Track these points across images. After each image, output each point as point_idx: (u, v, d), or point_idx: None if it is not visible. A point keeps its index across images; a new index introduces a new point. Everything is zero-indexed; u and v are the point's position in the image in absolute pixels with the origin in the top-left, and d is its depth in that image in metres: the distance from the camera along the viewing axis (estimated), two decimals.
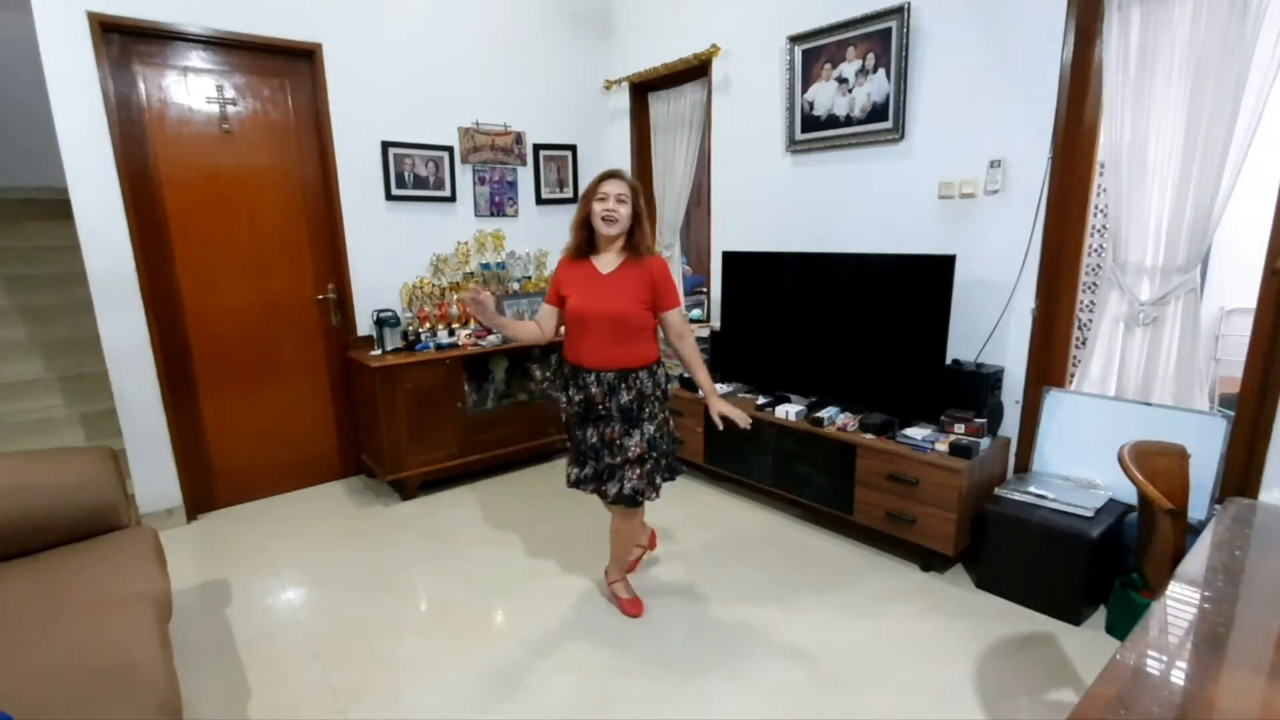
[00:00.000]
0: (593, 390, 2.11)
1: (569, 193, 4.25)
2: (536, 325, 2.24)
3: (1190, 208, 2.14)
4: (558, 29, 4.03)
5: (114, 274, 2.82)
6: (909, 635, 2.18)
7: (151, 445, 3.00)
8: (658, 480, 2.19)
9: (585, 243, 2.17)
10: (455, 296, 3.48)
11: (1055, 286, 2.51)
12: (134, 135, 2.85)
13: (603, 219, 2.09)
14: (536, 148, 4.06)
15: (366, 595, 2.49)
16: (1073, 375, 2.62)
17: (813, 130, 3.15)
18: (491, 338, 3.57)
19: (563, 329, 2.23)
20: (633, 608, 2.35)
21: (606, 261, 2.16)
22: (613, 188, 2.09)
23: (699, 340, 3.66)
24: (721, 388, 3.38)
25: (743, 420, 2.12)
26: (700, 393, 2.28)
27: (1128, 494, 2.10)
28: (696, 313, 3.98)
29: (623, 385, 2.11)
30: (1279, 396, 2.07)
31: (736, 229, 3.65)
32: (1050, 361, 2.58)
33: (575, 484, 2.25)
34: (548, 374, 2.33)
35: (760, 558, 2.71)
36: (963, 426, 2.53)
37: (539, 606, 2.39)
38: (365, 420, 3.44)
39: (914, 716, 1.83)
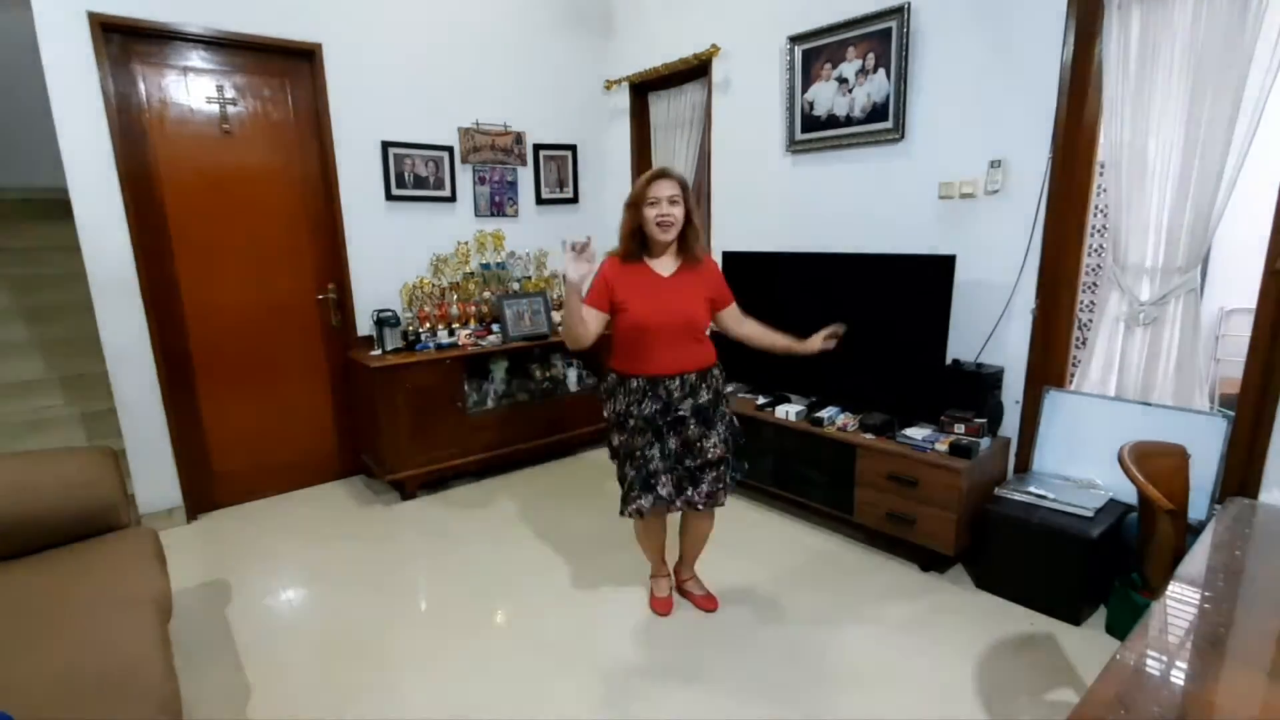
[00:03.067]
0: (675, 394, 2.04)
1: (569, 193, 4.25)
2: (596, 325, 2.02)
3: (1190, 208, 2.14)
4: (558, 29, 4.03)
5: (114, 274, 2.81)
6: (909, 635, 2.18)
7: (151, 445, 2.99)
8: (729, 478, 2.18)
9: (640, 247, 2.05)
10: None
11: (1055, 286, 2.51)
12: (134, 135, 2.85)
13: (658, 224, 1.97)
14: (536, 148, 4.06)
15: (366, 595, 2.49)
16: (1073, 375, 2.62)
17: (813, 130, 3.15)
18: (491, 338, 3.57)
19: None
20: (707, 603, 2.35)
21: (664, 265, 2.06)
22: (664, 189, 1.96)
23: None
24: None
25: (829, 338, 2.21)
26: (796, 348, 2.27)
27: (1128, 494, 2.10)
28: None
29: (703, 385, 2.08)
30: (1279, 396, 2.07)
31: (736, 229, 3.65)
32: (1050, 361, 2.58)
33: (647, 509, 2.08)
34: (604, 395, 2.16)
35: (759, 557, 2.71)
36: (963, 426, 2.53)
37: (538, 606, 2.39)
38: (365, 420, 3.44)
39: (914, 716, 1.83)
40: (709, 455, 2.08)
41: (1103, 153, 2.38)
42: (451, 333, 3.52)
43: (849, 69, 2.94)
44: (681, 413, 2.05)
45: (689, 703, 1.90)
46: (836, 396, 2.99)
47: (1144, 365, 2.33)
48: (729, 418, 2.17)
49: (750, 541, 2.85)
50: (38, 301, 3.74)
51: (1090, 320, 2.60)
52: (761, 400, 3.17)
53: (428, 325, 3.54)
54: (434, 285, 3.67)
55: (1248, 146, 2.02)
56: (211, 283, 3.12)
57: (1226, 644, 1.11)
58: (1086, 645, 2.10)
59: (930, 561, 2.56)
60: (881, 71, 2.82)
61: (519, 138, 3.96)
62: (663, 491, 2.08)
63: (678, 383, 2.05)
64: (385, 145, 3.46)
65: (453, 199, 3.76)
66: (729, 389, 3.38)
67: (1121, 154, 2.26)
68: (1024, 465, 2.63)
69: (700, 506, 2.12)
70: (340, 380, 3.55)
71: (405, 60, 3.48)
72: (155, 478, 3.02)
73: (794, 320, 3.11)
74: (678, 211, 1.98)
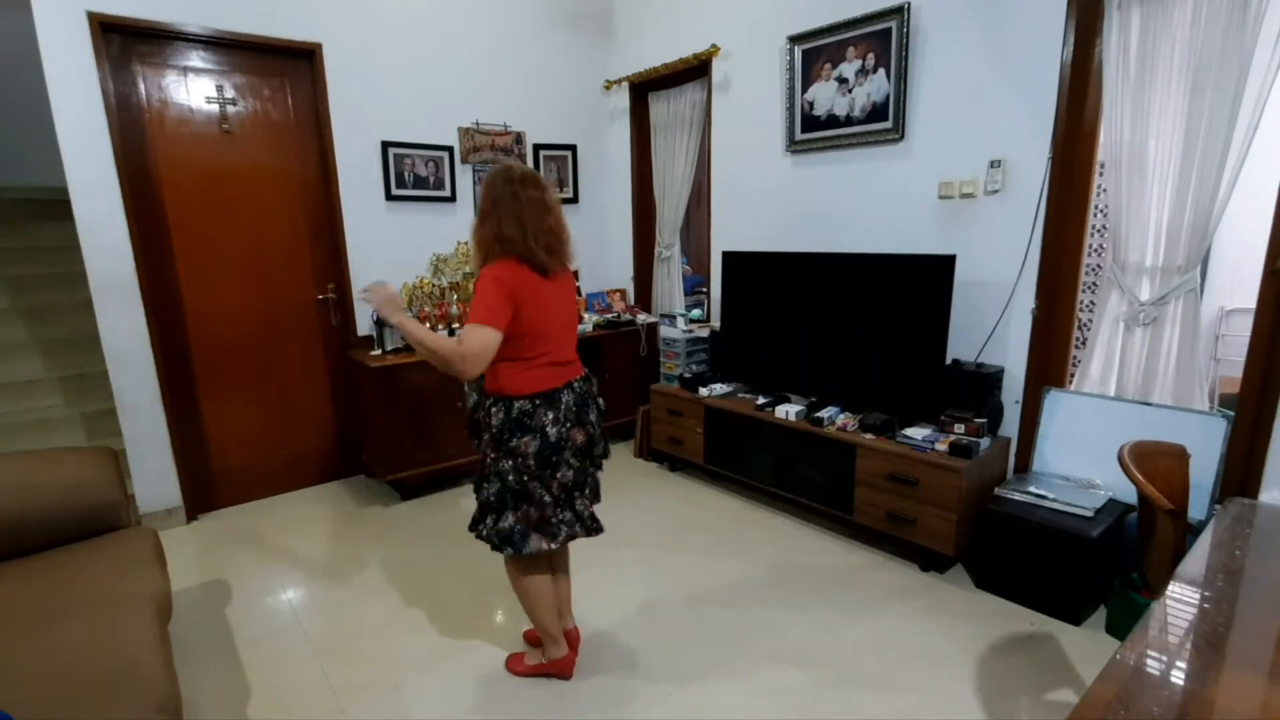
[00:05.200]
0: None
1: (569, 192, 4.25)
2: None
3: (1190, 208, 2.14)
4: (558, 29, 4.03)
5: (114, 274, 2.81)
6: (909, 635, 2.18)
7: (151, 445, 2.99)
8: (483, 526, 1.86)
9: None
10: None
11: (1055, 286, 2.51)
12: (134, 135, 2.85)
13: None
14: (536, 148, 4.06)
15: (366, 595, 2.49)
16: (1073, 375, 2.62)
17: (813, 130, 3.15)
18: None
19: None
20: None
21: None
22: None
23: (697, 340, 3.68)
24: (721, 388, 3.38)
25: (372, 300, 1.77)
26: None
27: (1128, 494, 2.10)
28: (697, 313, 3.98)
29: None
30: (1279, 396, 2.07)
31: (736, 229, 3.65)
32: (1050, 361, 2.58)
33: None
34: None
35: (760, 558, 2.71)
36: (963, 426, 2.53)
37: None
38: (365, 420, 3.44)
39: (914, 716, 1.83)
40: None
41: (1103, 153, 2.38)
42: (452, 333, 3.52)
43: (849, 69, 2.94)
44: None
45: (686, 702, 1.90)
46: (836, 396, 2.99)
47: (1144, 365, 2.33)
48: (502, 470, 1.83)
49: (749, 541, 2.85)
50: (38, 301, 3.74)
51: (1090, 320, 2.60)
52: (761, 400, 3.17)
53: (428, 325, 3.54)
54: (434, 285, 3.67)
55: (1248, 147, 2.03)
56: (211, 283, 3.12)
57: (1226, 644, 1.11)
58: (1086, 645, 2.10)
59: (930, 561, 2.56)
60: (881, 71, 2.82)
61: (519, 138, 3.96)
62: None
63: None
64: (385, 145, 3.46)
65: (453, 199, 3.76)
66: (732, 387, 3.37)
67: (1121, 154, 2.26)
68: (1024, 465, 2.63)
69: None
70: (340, 380, 3.55)
71: (405, 60, 3.48)
72: (155, 478, 3.02)
73: (794, 320, 3.13)
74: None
